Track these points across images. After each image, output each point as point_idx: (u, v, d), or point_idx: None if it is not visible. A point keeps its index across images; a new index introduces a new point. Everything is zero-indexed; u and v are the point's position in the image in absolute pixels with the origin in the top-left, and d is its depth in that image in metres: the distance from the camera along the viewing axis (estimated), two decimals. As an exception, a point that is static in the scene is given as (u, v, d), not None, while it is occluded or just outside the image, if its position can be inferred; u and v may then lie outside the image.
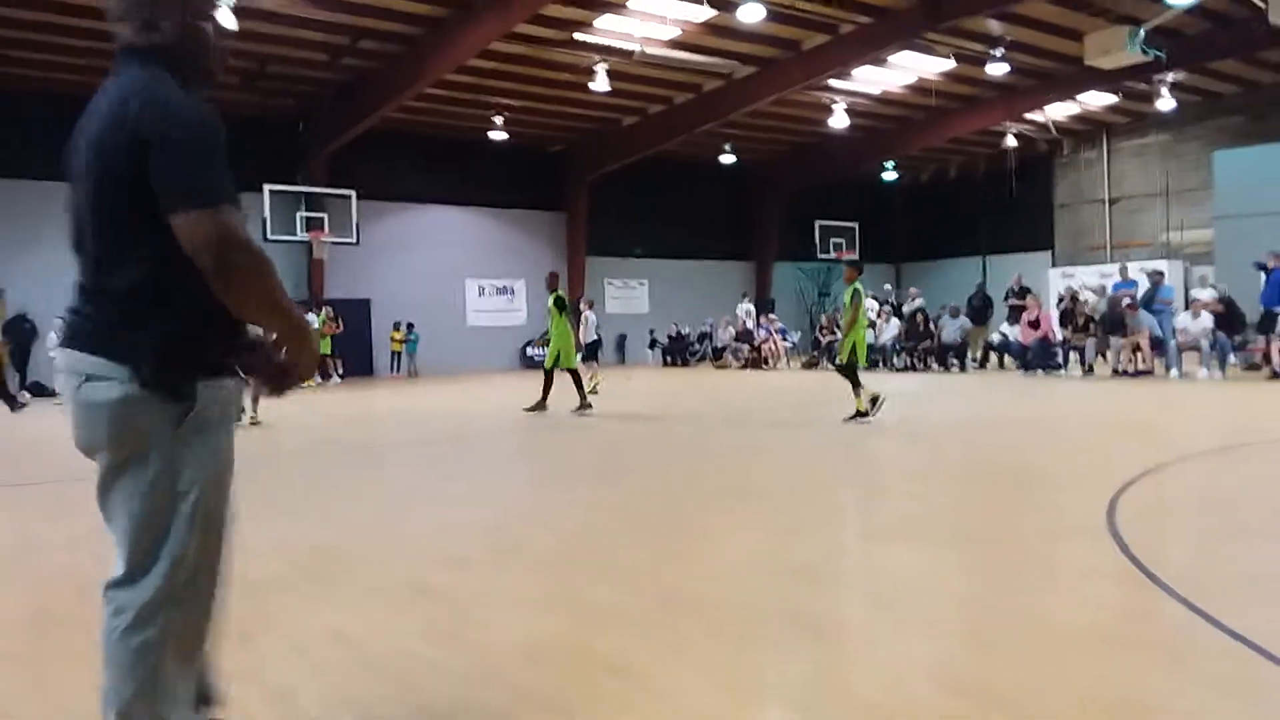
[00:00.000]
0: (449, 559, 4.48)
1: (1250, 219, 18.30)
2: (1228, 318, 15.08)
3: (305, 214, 19.69)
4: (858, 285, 10.08)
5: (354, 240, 20.07)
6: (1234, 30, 17.94)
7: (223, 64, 2.15)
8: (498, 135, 22.28)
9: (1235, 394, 12.22)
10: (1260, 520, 5.06)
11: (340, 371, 19.87)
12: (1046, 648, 3.07)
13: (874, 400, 9.84)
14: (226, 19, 14.06)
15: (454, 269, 23.88)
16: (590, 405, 11.52)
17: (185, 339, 1.98)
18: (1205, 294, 15.72)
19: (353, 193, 19.94)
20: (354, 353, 21.22)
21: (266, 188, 18.75)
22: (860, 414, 9.85)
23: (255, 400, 11.56)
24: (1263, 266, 14.50)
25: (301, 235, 19.57)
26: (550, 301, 11.86)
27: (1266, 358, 14.37)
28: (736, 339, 23.30)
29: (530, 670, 2.98)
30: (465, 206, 24.38)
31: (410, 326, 22.25)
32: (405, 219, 23.30)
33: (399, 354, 22.28)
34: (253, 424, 10.60)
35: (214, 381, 2.03)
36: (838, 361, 10.39)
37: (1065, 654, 3.00)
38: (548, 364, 11.73)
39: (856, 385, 9.92)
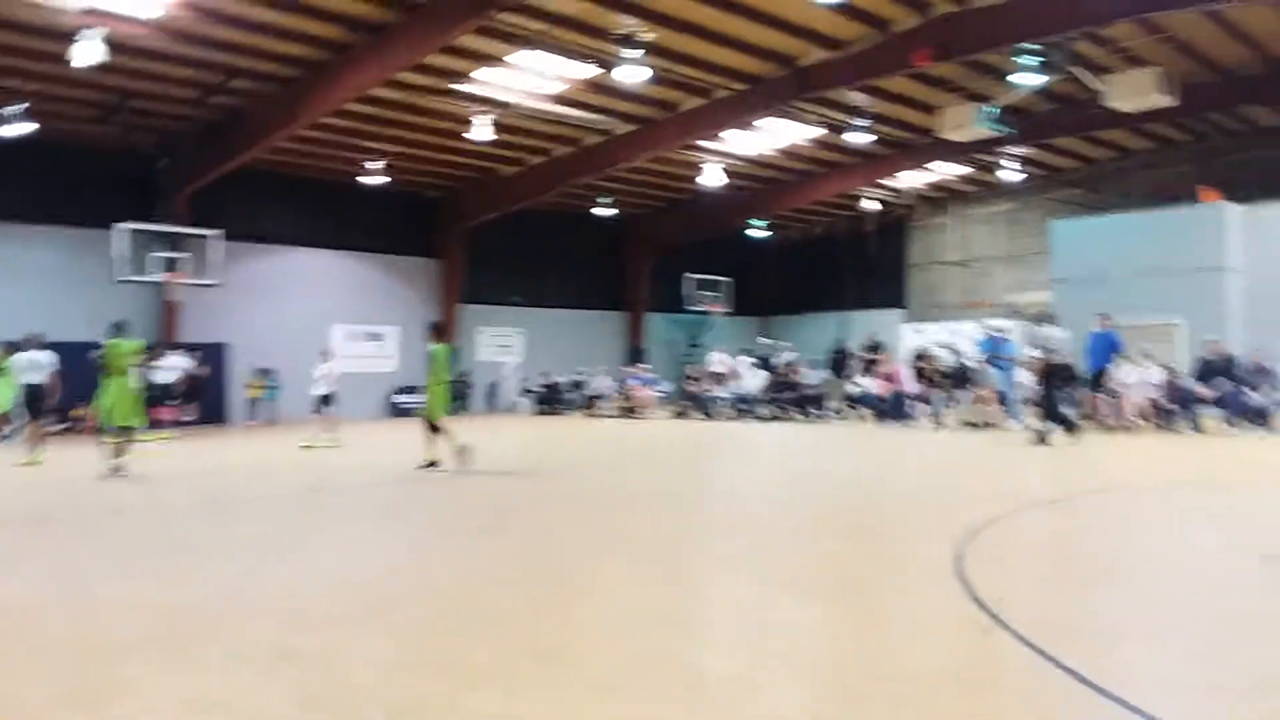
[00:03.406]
0: (316, 618, 4.35)
1: (1083, 283, 19.84)
2: (1063, 374, 16.20)
3: (163, 254, 18.82)
4: (440, 345, 10.79)
5: (215, 282, 19.29)
6: (1074, 110, 19.55)
7: None
8: (371, 179, 21.97)
9: (1073, 445, 13.10)
10: (1091, 565, 5.46)
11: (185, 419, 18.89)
12: (906, 694, 3.24)
13: (460, 451, 10.41)
14: (95, 51, 13.53)
15: (321, 314, 23.23)
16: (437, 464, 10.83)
17: None
18: (1036, 352, 16.82)
19: (216, 233, 19.22)
20: (207, 399, 20.27)
21: (120, 226, 17.85)
22: (432, 464, 10.43)
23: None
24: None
25: (156, 276, 18.67)
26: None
27: (1101, 412, 15.48)
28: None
29: (404, 733, 2.95)
30: (335, 250, 23.85)
31: (270, 373, 21.45)
32: (271, 261, 22.60)
33: (256, 401, 21.43)
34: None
35: None
36: (429, 415, 10.80)
37: (923, 699, 3.18)
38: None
39: (437, 434, 10.51)
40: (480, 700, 3.21)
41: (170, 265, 18.83)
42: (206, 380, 19.73)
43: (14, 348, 13.20)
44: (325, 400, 14.82)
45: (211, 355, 20.62)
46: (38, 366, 12.46)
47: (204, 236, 19.08)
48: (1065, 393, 13.67)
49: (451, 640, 4.03)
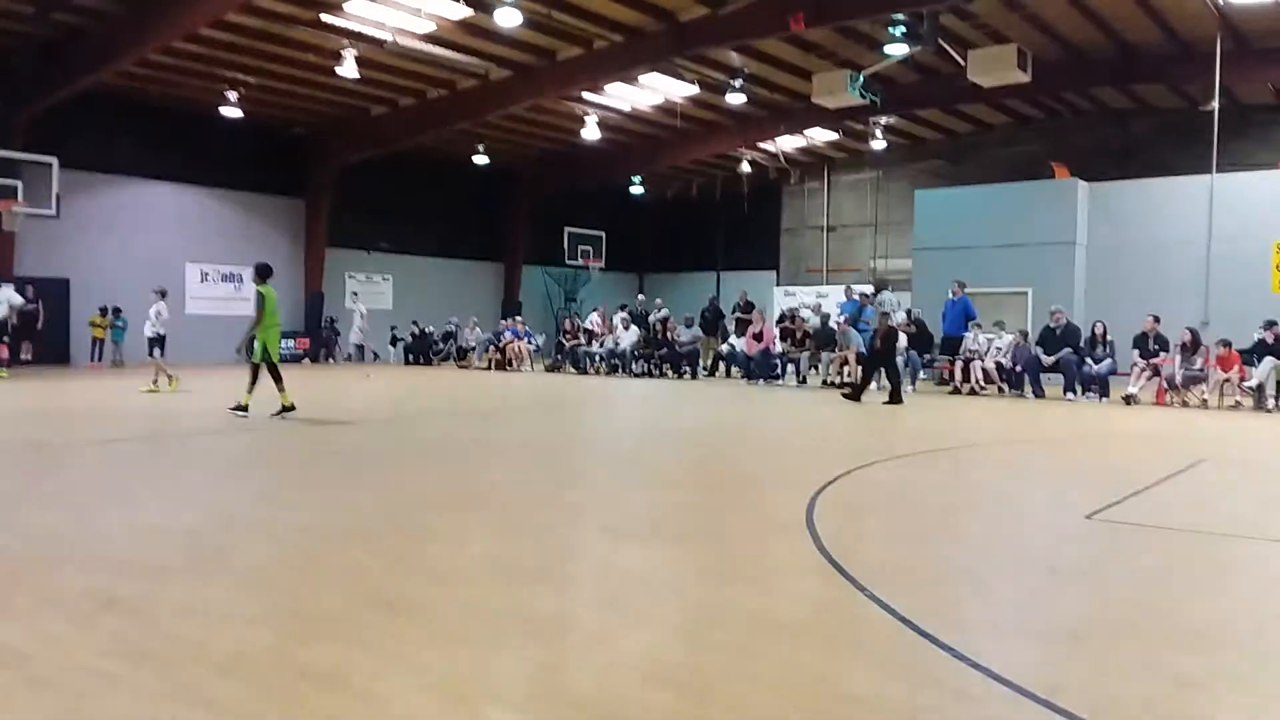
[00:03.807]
0: (143, 568, 4.12)
1: (942, 251, 20.67)
2: (919, 338, 16.94)
3: (-6, 180, 17.38)
4: (260, 288, 10.57)
5: (53, 213, 17.95)
6: (938, 83, 20.22)
7: None
8: (231, 111, 20.77)
9: (922, 406, 13.73)
10: (932, 519, 5.73)
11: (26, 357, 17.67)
12: (748, 639, 3.31)
13: (246, 400, 10.28)
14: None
15: (173, 251, 21.99)
16: (245, 409, 10.37)
17: None
18: (899, 316, 17.51)
19: (54, 160, 17.83)
20: (48, 338, 18.99)
21: (-56, 147, 16.39)
22: (241, 408, 10.24)
23: None
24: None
25: (-14, 203, 17.26)
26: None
27: (952, 375, 16.25)
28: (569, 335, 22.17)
29: (227, 684, 2.82)
30: (190, 185, 22.55)
31: (117, 312, 20.23)
32: (118, 193, 21.20)
33: (101, 341, 20.21)
34: None
35: None
36: (247, 358, 10.61)
37: (764, 644, 3.26)
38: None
39: (254, 383, 10.39)
40: (317, 652, 3.10)
41: (3, 193, 17.41)
42: (41, 317, 18.45)
43: None
44: (155, 342, 13.83)
45: (52, 290, 19.28)
46: None
47: (41, 163, 17.69)
48: (883, 358, 14.29)
49: (292, 591, 3.88)
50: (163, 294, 14.01)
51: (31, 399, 12.75)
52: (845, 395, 13.71)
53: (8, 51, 17.85)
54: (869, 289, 20.56)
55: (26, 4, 15.83)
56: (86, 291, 20.19)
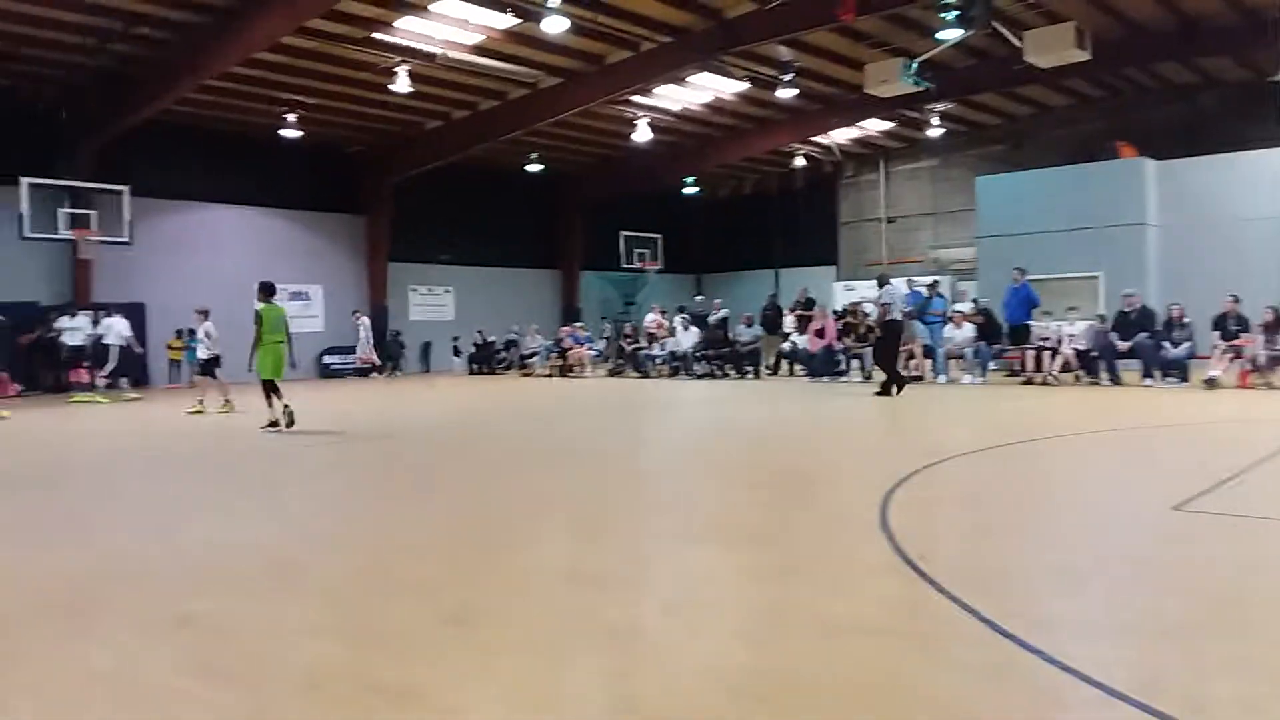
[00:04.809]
0: (219, 585, 4.20)
1: (1006, 238, 20.20)
2: (987, 328, 16.53)
3: (70, 210, 18.00)
4: (261, 306, 10.75)
5: (126, 240, 18.53)
6: (994, 66, 19.75)
7: None
8: (290, 133, 21.23)
9: (994, 398, 13.42)
10: (1010, 515, 5.57)
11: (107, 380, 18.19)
12: (825, 644, 3.24)
13: (283, 417, 10.46)
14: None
15: (241, 272, 22.46)
16: (278, 425, 10.58)
17: None
18: (965, 306, 17.14)
19: (125, 188, 18.41)
20: (126, 362, 19.56)
21: (24, 180, 17.02)
22: (273, 424, 10.50)
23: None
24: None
25: (65, 233, 17.88)
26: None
27: (1023, 365, 15.83)
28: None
29: (306, 701, 2.84)
30: (255, 207, 23.06)
31: (192, 334, 20.80)
32: (186, 218, 21.78)
33: (178, 362, 20.80)
34: None
35: None
36: (259, 375, 10.74)
37: (841, 649, 3.18)
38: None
39: (270, 397, 10.61)
40: (392, 666, 3.11)
41: (78, 222, 18.04)
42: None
43: None
44: (207, 365, 13.61)
45: (134, 315, 19.89)
46: None
47: (112, 192, 18.30)
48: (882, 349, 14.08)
49: (363, 605, 3.91)
50: (205, 314, 13.76)
51: (101, 421, 13.15)
52: (878, 393, 13.46)
53: (74, 85, 18.47)
54: (931, 279, 20.23)
55: (90, 36, 16.33)
56: (161, 315, 20.77)
